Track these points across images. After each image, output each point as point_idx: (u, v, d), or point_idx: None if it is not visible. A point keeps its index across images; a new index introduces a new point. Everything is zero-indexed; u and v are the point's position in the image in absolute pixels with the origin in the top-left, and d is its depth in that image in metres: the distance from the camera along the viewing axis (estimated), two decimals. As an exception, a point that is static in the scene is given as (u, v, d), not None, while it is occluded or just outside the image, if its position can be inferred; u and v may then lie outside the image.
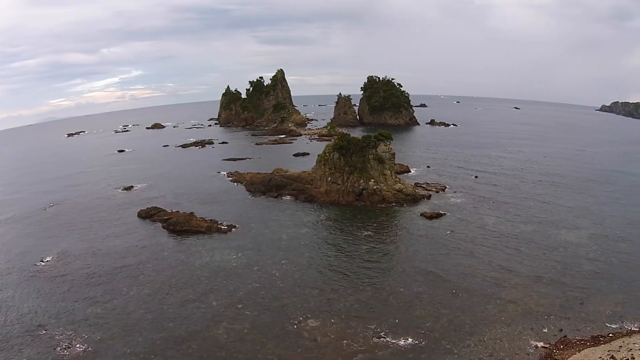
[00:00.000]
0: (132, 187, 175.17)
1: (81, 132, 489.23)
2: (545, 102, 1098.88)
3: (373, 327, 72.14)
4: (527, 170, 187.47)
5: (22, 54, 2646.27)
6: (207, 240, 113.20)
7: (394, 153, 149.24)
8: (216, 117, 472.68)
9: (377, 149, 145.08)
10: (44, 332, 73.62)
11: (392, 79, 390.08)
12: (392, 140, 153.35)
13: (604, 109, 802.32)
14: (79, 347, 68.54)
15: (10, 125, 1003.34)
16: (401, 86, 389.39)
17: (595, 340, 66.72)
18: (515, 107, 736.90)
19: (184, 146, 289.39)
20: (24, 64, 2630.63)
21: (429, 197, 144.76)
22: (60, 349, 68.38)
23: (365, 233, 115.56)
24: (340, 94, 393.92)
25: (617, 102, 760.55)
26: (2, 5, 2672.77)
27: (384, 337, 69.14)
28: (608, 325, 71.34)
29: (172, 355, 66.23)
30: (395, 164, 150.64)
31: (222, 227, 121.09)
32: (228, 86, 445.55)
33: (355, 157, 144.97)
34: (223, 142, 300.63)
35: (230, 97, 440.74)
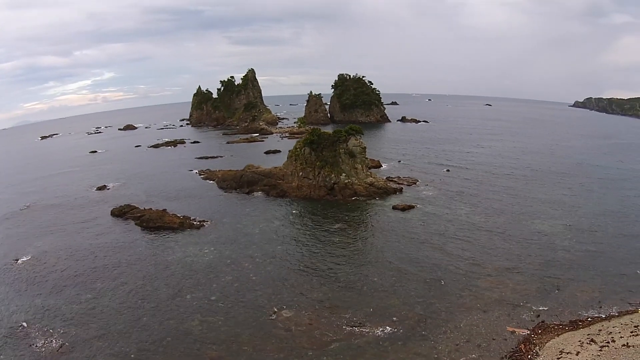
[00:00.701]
0: (105, 186, 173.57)
1: (54, 134, 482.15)
2: (518, 99, 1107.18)
3: (347, 316, 72.25)
4: (499, 165, 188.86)
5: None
6: (180, 236, 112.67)
7: (365, 147, 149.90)
8: (188, 118, 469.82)
9: (348, 143, 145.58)
10: (20, 330, 72.62)
11: (363, 76, 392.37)
12: (362, 134, 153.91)
13: (577, 104, 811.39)
14: (55, 344, 67.71)
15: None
16: (372, 84, 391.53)
17: (574, 325, 67.23)
18: (487, 104, 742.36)
19: (156, 146, 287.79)
20: (0, 67, 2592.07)
21: (400, 190, 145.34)
22: (37, 346, 67.58)
23: (337, 225, 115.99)
24: (311, 92, 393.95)
25: (591, 98, 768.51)
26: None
27: (358, 326, 69.18)
28: (586, 311, 71.93)
29: (147, 348, 65.73)
30: (366, 158, 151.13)
31: (195, 222, 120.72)
32: (199, 86, 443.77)
33: (326, 152, 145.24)
34: (195, 142, 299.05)
35: (201, 97, 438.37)
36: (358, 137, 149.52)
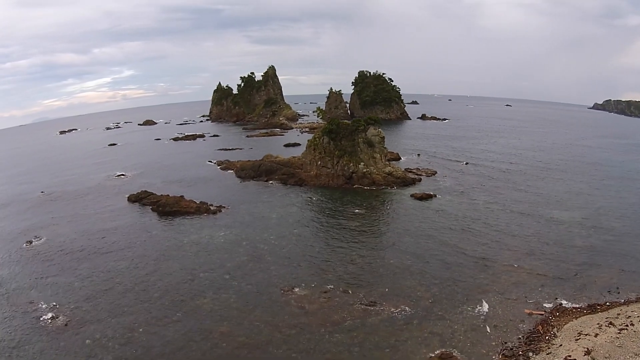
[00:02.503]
0: (122, 175, 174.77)
1: (73, 129, 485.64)
2: (537, 101, 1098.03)
3: (362, 295, 71.47)
4: (518, 160, 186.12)
5: (13, 55, 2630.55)
6: (196, 220, 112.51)
7: (384, 137, 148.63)
8: (207, 114, 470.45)
9: (367, 133, 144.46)
10: (29, 305, 72.62)
11: (383, 73, 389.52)
12: (381, 124, 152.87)
13: (596, 107, 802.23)
14: (62, 318, 67.61)
15: (3, 125, 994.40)
16: (392, 81, 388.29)
17: (592, 309, 66.46)
18: (507, 105, 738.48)
19: (175, 139, 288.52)
20: (15, 64, 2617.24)
21: (419, 180, 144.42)
22: (44, 320, 67.51)
23: (355, 211, 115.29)
24: (331, 88, 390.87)
25: (610, 100, 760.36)
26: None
27: (373, 305, 68.31)
28: (604, 296, 70.78)
29: (156, 323, 65.38)
30: (385, 148, 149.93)
31: (211, 207, 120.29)
32: (219, 82, 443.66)
33: (345, 141, 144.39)
34: (214, 135, 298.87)
35: (221, 93, 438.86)
36: (377, 127, 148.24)
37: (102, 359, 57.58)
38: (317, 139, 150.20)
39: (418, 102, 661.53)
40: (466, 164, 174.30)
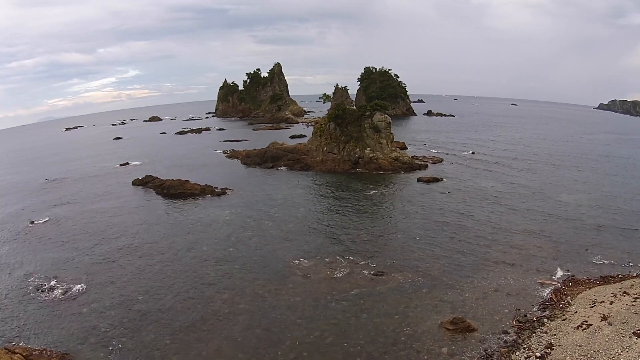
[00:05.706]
0: (127, 163, 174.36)
1: (79, 126, 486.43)
2: (543, 101, 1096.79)
3: (370, 265, 70.29)
4: (523, 151, 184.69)
5: (19, 54, 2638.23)
6: (201, 201, 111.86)
7: (390, 122, 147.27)
8: (213, 111, 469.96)
9: (373, 118, 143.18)
10: (26, 278, 71.60)
11: (389, 69, 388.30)
12: (387, 109, 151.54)
13: (602, 107, 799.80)
14: (59, 290, 66.48)
15: (9, 125, 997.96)
16: (398, 77, 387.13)
17: (605, 280, 65.45)
18: (513, 104, 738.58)
19: (181, 133, 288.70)
20: (22, 63, 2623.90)
21: (425, 166, 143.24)
22: (40, 292, 66.33)
23: (362, 193, 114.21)
24: (337, 84, 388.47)
25: (615, 100, 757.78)
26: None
27: (380, 275, 66.84)
28: (616, 269, 69.49)
29: (156, 292, 64.16)
30: (391, 133, 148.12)
31: (216, 189, 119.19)
32: (225, 79, 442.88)
33: (351, 127, 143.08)
34: (220, 129, 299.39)
35: (227, 90, 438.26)
36: (383, 112, 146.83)
37: (97, 325, 56.07)
38: (323, 125, 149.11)
39: (424, 101, 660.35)
40: (472, 153, 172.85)
